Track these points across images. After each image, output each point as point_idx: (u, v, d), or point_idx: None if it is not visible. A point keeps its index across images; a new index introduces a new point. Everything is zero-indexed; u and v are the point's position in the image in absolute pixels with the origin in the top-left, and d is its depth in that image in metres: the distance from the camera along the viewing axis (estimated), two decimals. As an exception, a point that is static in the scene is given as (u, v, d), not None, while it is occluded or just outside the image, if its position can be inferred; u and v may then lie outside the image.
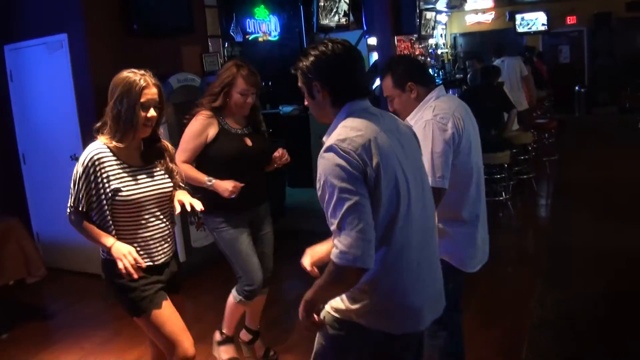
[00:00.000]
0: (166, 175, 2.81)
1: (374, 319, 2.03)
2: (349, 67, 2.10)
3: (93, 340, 4.49)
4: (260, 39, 10.29)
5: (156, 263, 2.76)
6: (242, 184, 3.32)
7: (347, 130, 1.95)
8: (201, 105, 3.48)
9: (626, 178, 8.00)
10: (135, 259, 2.57)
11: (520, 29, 15.84)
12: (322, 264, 2.13)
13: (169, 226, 2.84)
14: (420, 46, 12.47)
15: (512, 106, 7.33)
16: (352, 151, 1.88)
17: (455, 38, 17.18)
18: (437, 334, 2.85)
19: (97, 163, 2.58)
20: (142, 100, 2.59)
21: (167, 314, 2.73)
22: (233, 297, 3.60)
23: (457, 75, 12.83)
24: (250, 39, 9.99)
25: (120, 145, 2.63)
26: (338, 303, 2.09)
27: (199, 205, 2.80)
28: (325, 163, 1.91)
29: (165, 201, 2.79)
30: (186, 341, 2.75)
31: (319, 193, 1.94)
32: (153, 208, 2.73)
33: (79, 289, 5.62)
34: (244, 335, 3.87)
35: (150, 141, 2.78)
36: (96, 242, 2.67)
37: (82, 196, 2.59)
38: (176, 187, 2.86)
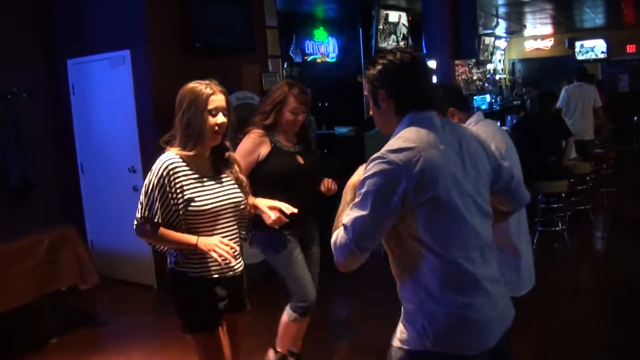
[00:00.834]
0: (236, 185, 2.79)
1: (442, 340, 1.92)
2: (415, 77, 2.06)
3: (142, 351, 4.52)
4: (318, 60, 10.38)
5: (225, 276, 2.73)
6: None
7: (400, 142, 1.91)
8: (253, 124, 3.51)
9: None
10: (227, 244, 2.55)
11: (579, 57, 15.52)
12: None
13: (239, 238, 2.81)
14: (478, 71, 12.37)
15: (570, 134, 7.17)
16: (398, 163, 1.85)
17: (513, 64, 16.98)
18: None
19: (171, 172, 2.57)
20: (209, 107, 2.60)
21: (218, 340, 2.70)
22: (287, 315, 3.56)
23: (515, 102, 12.63)
24: (308, 60, 10.08)
25: (191, 154, 2.62)
26: (402, 333, 2.01)
27: (289, 209, 2.85)
28: (369, 168, 1.90)
29: (236, 211, 2.76)
30: None
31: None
32: (224, 218, 2.70)
33: (131, 299, 5.69)
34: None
35: (219, 151, 2.78)
36: (178, 244, 2.61)
37: (157, 207, 2.55)
38: (247, 197, 2.84)
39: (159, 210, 2.55)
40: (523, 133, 6.50)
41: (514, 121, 8.77)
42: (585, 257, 6.73)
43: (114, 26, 5.83)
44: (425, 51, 6.73)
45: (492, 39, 12.75)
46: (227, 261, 2.56)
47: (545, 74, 12.45)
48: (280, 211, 2.92)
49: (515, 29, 14.58)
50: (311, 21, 10.04)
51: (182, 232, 2.60)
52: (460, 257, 1.90)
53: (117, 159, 5.91)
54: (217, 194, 2.67)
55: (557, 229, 6.84)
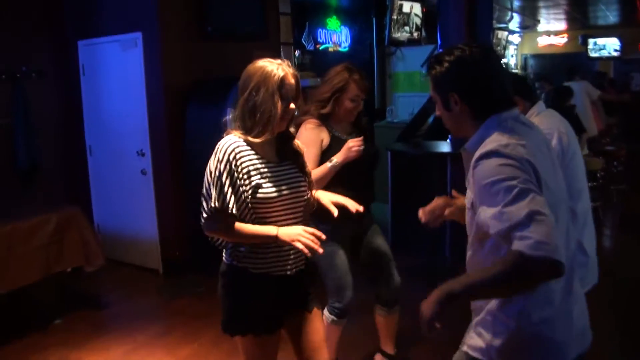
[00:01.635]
0: (301, 175, 2.49)
1: (516, 357, 1.79)
2: (491, 76, 1.83)
3: (146, 333, 4.51)
4: (330, 49, 10.31)
5: (289, 273, 2.45)
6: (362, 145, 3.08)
7: (507, 138, 1.71)
8: (308, 113, 3.24)
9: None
10: (312, 233, 2.26)
11: (592, 54, 15.41)
12: None
13: None
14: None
15: (583, 129, 7.12)
16: (518, 157, 1.65)
17: (526, 59, 16.89)
18: None
19: (237, 157, 2.29)
20: (281, 90, 2.34)
21: (275, 345, 2.48)
22: (326, 318, 3.30)
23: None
24: (320, 48, 10.03)
25: (256, 140, 2.33)
26: (476, 340, 1.86)
27: (354, 206, 2.62)
28: (489, 165, 1.67)
29: (301, 202, 2.46)
30: None
31: (475, 200, 1.74)
32: (290, 208, 2.41)
33: (136, 282, 5.68)
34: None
35: (284, 137, 2.49)
36: (255, 237, 2.32)
37: (230, 195, 2.26)
38: (310, 189, 2.56)
39: (232, 198, 2.27)
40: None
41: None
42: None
43: (126, 8, 5.79)
44: (440, 42, 6.67)
45: (506, 33, 12.68)
46: (314, 250, 2.24)
47: (557, 70, 12.36)
48: (345, 208, 2.65)
49: (529, 24, 14.51)
50: (324, 9, 9.96)
51: (251, 223, 2.35)
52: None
53: (126, 141, 5.89)
54: (283, 181, 2.38)
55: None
